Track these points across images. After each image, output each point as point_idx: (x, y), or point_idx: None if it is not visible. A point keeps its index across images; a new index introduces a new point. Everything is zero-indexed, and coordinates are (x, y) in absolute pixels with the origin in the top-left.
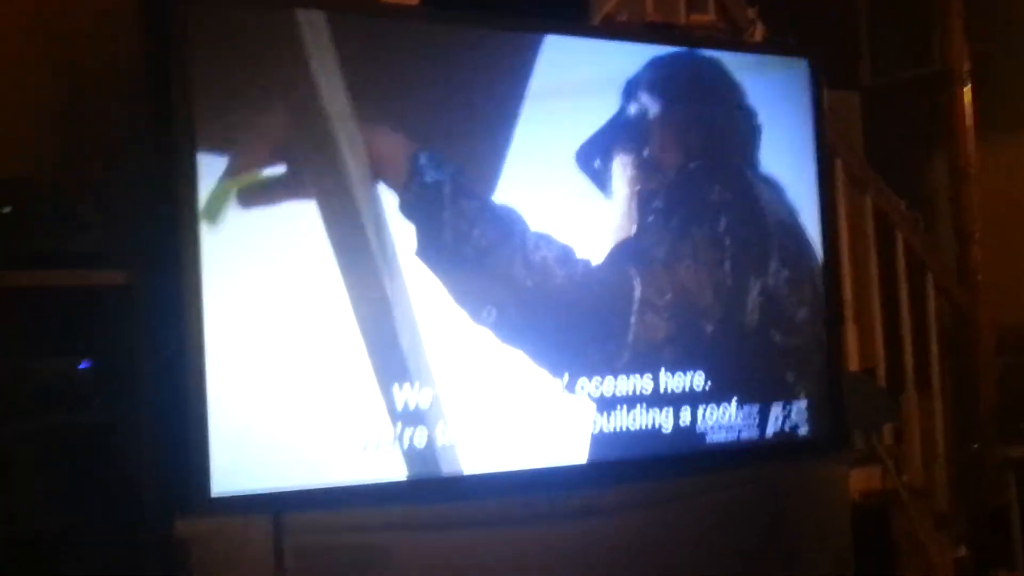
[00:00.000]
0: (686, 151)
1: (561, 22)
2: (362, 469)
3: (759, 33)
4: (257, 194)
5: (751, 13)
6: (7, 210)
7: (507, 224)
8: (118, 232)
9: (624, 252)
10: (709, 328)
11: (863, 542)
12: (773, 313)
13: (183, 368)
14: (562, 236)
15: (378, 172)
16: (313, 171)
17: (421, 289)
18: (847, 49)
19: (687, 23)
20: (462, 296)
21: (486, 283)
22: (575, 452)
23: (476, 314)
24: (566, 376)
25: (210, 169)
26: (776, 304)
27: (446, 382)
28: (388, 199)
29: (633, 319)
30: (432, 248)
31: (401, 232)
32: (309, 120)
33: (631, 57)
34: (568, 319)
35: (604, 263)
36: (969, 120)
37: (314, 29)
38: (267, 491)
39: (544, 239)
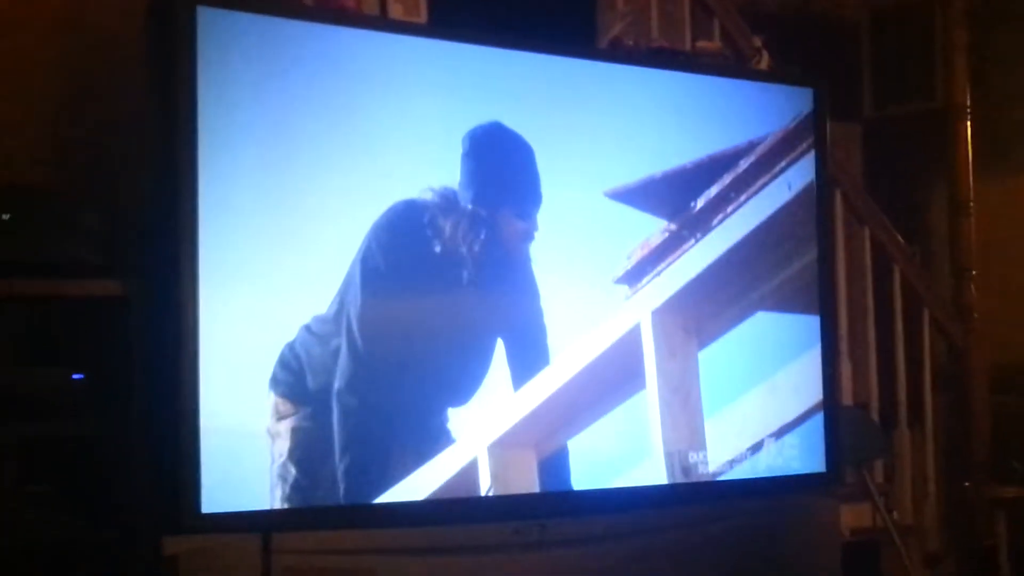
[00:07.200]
0: None
1: (569, 44)
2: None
3: (765, 62)
4: None
5: (757, 41)
6: (6, 217)
7: None
8: (117, 243)
9: None
10: None
11: None
12: None
13: (177, 383)
14: None
15: None
16: None
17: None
18: (849, 81)
19: (693, 49)
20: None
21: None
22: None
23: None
24: None
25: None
26: None
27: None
28: None
29: None
30: None
31: None
32: None
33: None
34: None
35: None
36: (969, 156)
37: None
38: (257, 510)
39: None
